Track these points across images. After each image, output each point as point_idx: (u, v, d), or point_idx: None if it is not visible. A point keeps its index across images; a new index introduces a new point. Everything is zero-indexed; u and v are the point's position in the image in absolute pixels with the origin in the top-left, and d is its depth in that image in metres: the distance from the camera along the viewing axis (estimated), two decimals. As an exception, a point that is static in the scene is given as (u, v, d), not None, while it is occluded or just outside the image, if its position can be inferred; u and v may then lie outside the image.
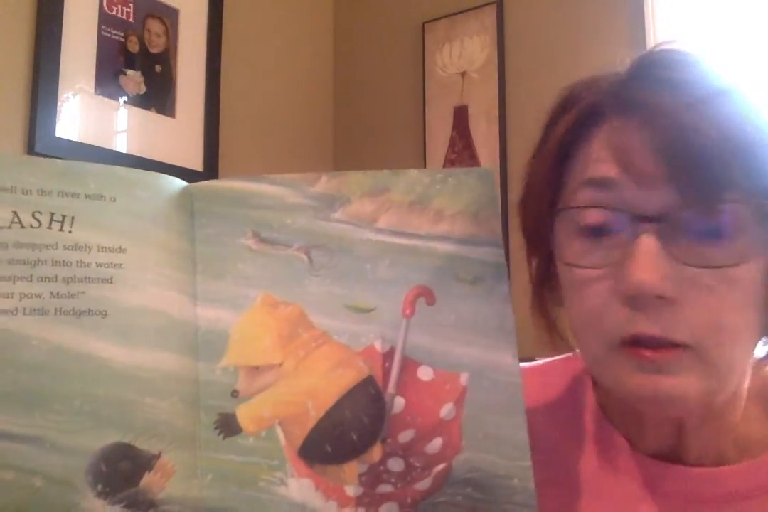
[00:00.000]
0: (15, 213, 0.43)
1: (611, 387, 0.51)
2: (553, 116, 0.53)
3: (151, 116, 1.81)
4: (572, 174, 0.51)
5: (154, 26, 1.83)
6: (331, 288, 0.48)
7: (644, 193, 0.46)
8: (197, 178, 1.87)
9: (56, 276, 0.43)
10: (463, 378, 0.47)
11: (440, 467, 0.47)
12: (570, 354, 0.60)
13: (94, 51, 1.70)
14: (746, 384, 0.53)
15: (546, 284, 0.55)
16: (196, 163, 1.89)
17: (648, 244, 0.45)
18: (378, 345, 0.47)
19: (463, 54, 2.05)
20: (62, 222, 0.44)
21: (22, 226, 0.43)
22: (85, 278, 0.44)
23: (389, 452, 0.47)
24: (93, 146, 1.68)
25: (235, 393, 0.47)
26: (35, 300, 0.43)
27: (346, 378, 0.47)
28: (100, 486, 0.42)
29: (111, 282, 0.45)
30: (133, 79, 1.78)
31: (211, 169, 1.92)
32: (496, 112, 1.98)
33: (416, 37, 2.16)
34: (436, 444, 0.47)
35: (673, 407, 0.48)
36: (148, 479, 0.44)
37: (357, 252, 0.48)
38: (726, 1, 1.67)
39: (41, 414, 0.42)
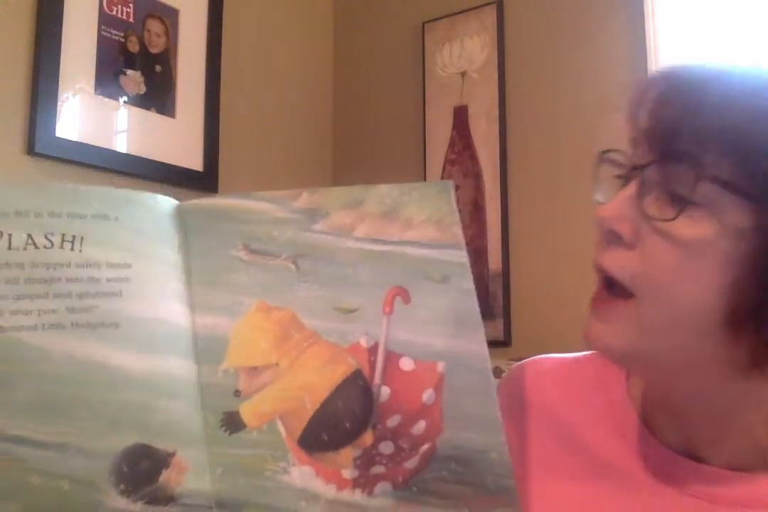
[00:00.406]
0: (29, 235, 0.46)
1: None
2: None
3: (151, 116, 1.81)
4: None
5: (154, 26, 1.83)
6: (318, 293, 0.53)
7: (637, 149, 0.52)
8: (197, 177, 1.88)
9: (71, 293, 0.47)
10: (440, 366, 0.52)
11: (426, 447, 0.51)
12: None
13: (94, 51, 1.70)
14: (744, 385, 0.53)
15: None
16: (196, 163, 1.89)
17: (627, 190, 0.51)
18: (363, 342, 0.52)
19: (463, 54, 2.05)
20: (72, 242, 0.47)
21: (37, 247, 0.46)
22: (97, 293, 0.47)
23: (379, 436, 0.51)
24: (93, 146, 1.68)
25: (237, 393, 0.51)
26: (53, 315, 0.46)
27: (337, 373, 0.52)
28: (122, 485, 0.45)
29: (120, 296, 0.48)
30: (133, 79, 1.78)
31: (211, 169, 1.92)
32: (496, 112, 1.98)
33: (416, 37, 2.16)
34: (420, 426, 0.52)
35: (599, 349, 0.53)
36: (165, 475, 0.47)
37: (339, 259, 0.53)
38: (726, 1, 1.67)
39: (65, 422, 0.45)
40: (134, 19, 1.79)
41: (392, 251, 0.54)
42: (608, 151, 0.54)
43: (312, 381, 0.52)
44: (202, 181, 1.90)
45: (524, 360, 0.69)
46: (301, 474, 0.50)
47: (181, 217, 0.52)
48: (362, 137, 2.25)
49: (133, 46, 1.79)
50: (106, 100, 1.72)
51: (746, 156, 0.46)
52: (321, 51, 2.32)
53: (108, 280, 0.48)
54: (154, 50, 1.83)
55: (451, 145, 2.04)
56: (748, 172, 0.46)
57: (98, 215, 0.49)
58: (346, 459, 0.51)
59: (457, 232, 0.54)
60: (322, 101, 2.30)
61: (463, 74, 2.05)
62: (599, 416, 0.60)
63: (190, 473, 0.47)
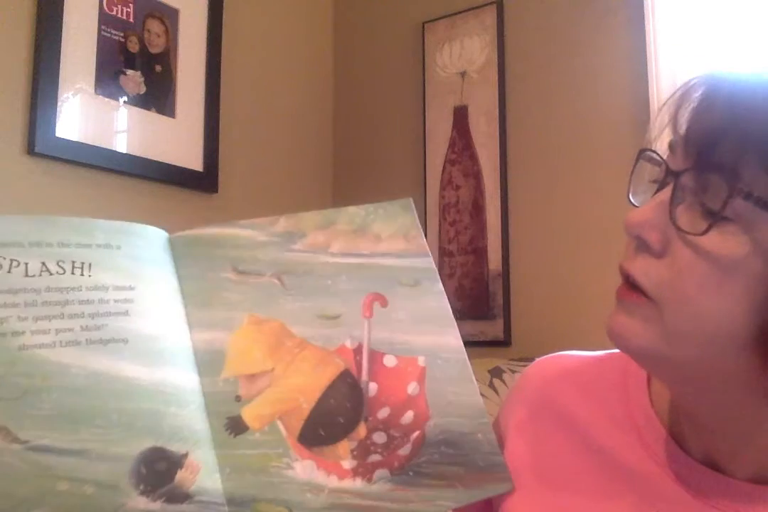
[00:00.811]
0: (43, 263, 0.51)
1: None
2: None
3: (151, 116, 1.81)
4: None
5: (154, 26, 1.83)
6: (302, 304, 0.58)
7: (675, 154, 0.50)
8: (197, 177, 1.88)
9: (83, 313, 0.51)
10: (421, 361, 0.58)
11: (416, 434, 0.57)
12: None
13: (94, 51, 1.70)
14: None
15: None
16: (196, 163, 1.89)
17: (660, 195, 0.49)
18: (348, 344, 0.58)
19: (463, 54, 2.05)
20: (82, 268, 0.53)
21: (50, 274, 0.51)
22: (106, 312, 0.52)
23: (372, 428, 0.56)
24: (93, 146, 1.68)
25: (238, 398, 0.55)
26: (68, 333, 0.50)
27: (327, 374, 0.57)
28: (142, 486, 0.49)
29: (127, 315, 0.53)
30: (133, 79, 1.78)
31: (211, 169, 1.92)
32: (496, 112, 1.98)
33: (416, 37, 2.16)
34: (408, 415, 0.57)
35: (619, 344, 0.52)
36: (180, 475, 0.50)
37: (318, 272, 0.59)
38: (726, 3, 1.67)
39: (85, 430, 0.49)
40: (134, 19, 1.79)
41: (366, 263, 0.60)
42: (647, 149, 0.52)
43: (305, 382, 0.56)
44: (202, 181, 1.90)
45: (544, 357, 0.69)
46: (304, 468, 0.54)
47: (172, 246, 0.58)
48: (362, 137, 2.25)
49: (133, 46, 1.79)
50: (106, 100, 1.72)
51: None
52: (321, 51, 2.32)
53: (115, 301, 0.53)
54: (154, 50, 1.83)
55: (451, 145, 2.04)
56: None
57: (102, 244, 0.54)
58: (343, 451, 0.55)
59: (422, 242, 0.62)
60: (323, 101, 2.30)
61: (463, 74, 2.05)
62: (620, 420, 0.59)
63: (202, 473, 0.51)
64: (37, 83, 1.59)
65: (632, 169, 0.53)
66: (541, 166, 1.91)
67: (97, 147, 1.68)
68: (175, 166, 1.83)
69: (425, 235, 0.66)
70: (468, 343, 0.60)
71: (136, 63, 1.79)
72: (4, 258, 0.50)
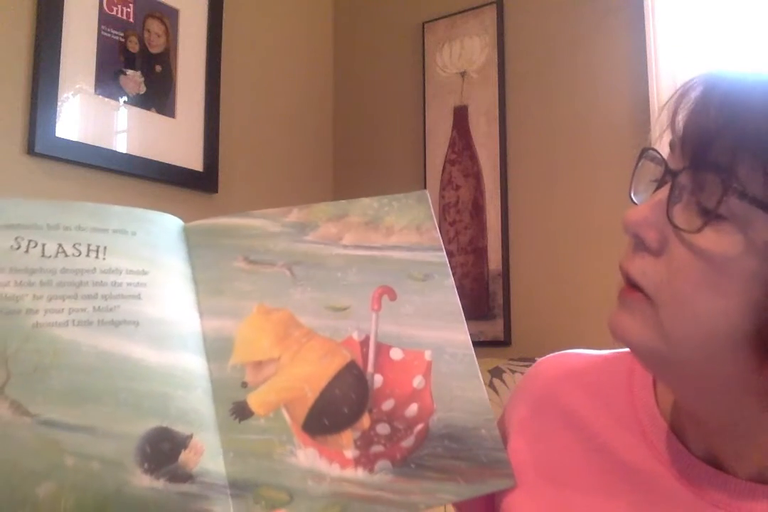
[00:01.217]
0: (60, 245, 0.53)
1: None
2: None
3: (151, 116, 1.81)
4: None
5: (154, 26, 1.83)
6: (312, 295, 0.59)
7: (674, 154, 0.50)
8: (197, 177, 1.88)
9: (96, 294, 0.53)
10: (428, 355, 0.59)
11: (419, 427, 0.57)
12: None
13: (94, 51, 1.70)
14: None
15: None
16: (196, 163, 1.89)
17: (658, 194, 0.50)
18: (355, 336, 0.58)
19: (463, 54, 2.05)
20: (97, 251, 0.54)
21: (66, 256, 0.53)
22: (119, 295, 0.53)
23: (376, 419, 0.57)
24: (93, 146, 1.68)
25: (244, 385, 0.56)
26: (81, 313, 0.52)
27: (334, 364, 0.57)
28: (146, 464, 0.50)
29: (139, 298, 0.54)
30: (133, 79, 1.78)
31: (211, 169, 1.92)
32: (496, 112, 1.98)
33: (416, 37, 2.16)
34: (413, 408, 0.57)
35: (620, 340, 0.52)
36: (184, 456, 0.51)
37: (329, 264, 0.60)
38: (726, 3, 1.67)
39: (94, 407, 0.50)
40: (134, 19, 1.79)
41: (377, 255, 0.60)
42: (649, 148, 0.52)
43: (311, 372, 0.57)
44: (202, 181, 1.90)
45: (550, 355, 0.69)
46: (307, 455, 0.55)
47: (187, 235, 0.59)
48: (362, 137, 2.25)
49: (133, 46, 1.79)
50: (106, 100, 1.72)
51: None
52: (321, 51, 2.32)
53: (128, 285, 0.54)
54: (154, 50, 1.83)
55: (451, 145, 2.04)
56: None
57: (118, 230, 0.56)
58: (346, 440, 0.56)
59: (436, 235, 0.62)
60: (323, 101, 2.30)
61: (463, 74, 2.05)
62: (624, 419, 0.59)
63: (206, 455, 0.52)
64: (37, 83, 1.59)
65: (634, 168, 0.54)
66: (541, 166, 1.91)
67: (97, 147, 1.68)
68: (175, 166, 1.83)
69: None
70: (468, 343, 0.60)
71: (136, 63, 1.79)
72: (23, 239, 0.52)
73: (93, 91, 1.69)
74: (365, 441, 0.56)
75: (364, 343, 0.58)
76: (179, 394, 0.53)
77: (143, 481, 0.50)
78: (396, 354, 0.58)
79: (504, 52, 2.00)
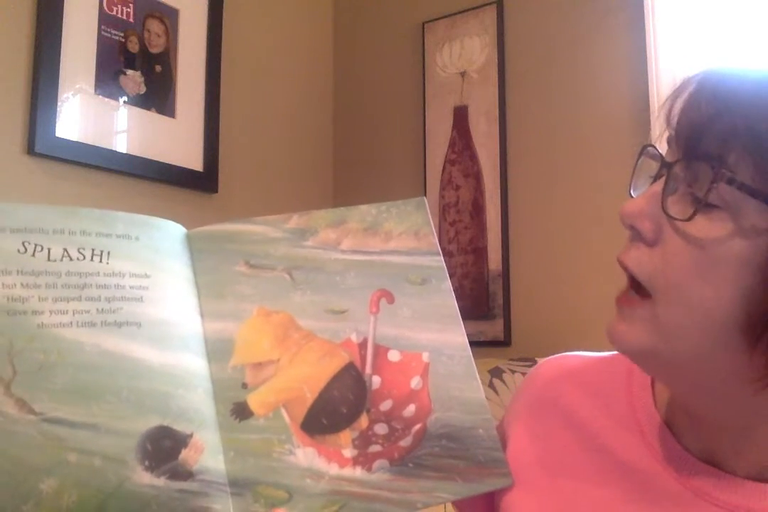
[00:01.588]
0: (65, 249, 0.55)
1: None
2: None
3: (151, 116, 1.81)
4: None
5: (154, 26, 1.83)
6: (311, 298, 0.60)
7: (670, 150, 0.51)
8: (197, 177, 1.88)
9: (100, 296, 0.54)
10: (425, 356, 0.60)
11: (417, 427, 0.58)
12: None
13: (94, 51, 1.70)
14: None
15: None
16: (196, 163, 1.89)
17: (654, 187, 0.51)
18: (354, 338, 0.59)
19: (463, 54, 2.06)
20: (101, 255, 0.56)
21: (71, 259, 0.55)
22: (122, 297, 0.55)
23: (374, 419, 0.57)
24: (93, 146, 1.68)
25: (245, 385, 0.57)
26: (85, 315, 0.53)
27: (332, 366, 0.58)
28: (147, 462, 0.51)
29: (141, 301, 0.56)
30: (133, 79, 1.78)
31: (211, 169, 1.92)
32: (496, 112, 1.98)
33: (416, 37, 2.16)
34: (410, 409, 0.58)
35: (619, 348, 0.53)
36: (184, 454, 0.53)
37: (328, 269, 0.61)
38: (726, 2, 1.67)
39: (96, 405, 0.52)
40: (134, 19, 1.79)
41: (375, 260, 0.62)
42: (649, 145, 0.53)
43: (310, 373, 0.58)
44: (202, 181, 1.90)
45: (550, 357, 0.69)
46: (305, 454, 0.56)
47: (189, 241, 0.61)
48: (362, 137, 2.25)
49: (133, 46, 1.79)
50: (106, 100, 1.72)
51: (765, 158, 0.45)
52: (321, 51, 2.32)
53: (131, 287, 0.56)
54: (154, 50, 1.83)
55: (451, 145, 2.04)
56: (767, 175, 0.45)
57: (122, 235, 0.57)
58: (345, 440, 0.57)
59: (433, 240, 0.63)
60: (322, 101, 2.30)
61: (463, 74, 2.05)
62: (623, 419, 0.60)
63: (206, 453, 0.53)
64: (37, 83, 1.59)
65: (635, 165, 0.54)
66: (541, 166, 1.91)
67: (97, 147, 1.68)
68: (175, 166, 1.83)
69: (428, 235, 0.67)
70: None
71: (136, 63, 1.79)
72: (29, 243, 0.54)
73: (93, 91, 1.69)
74: (363, 441, 0.57)
75: (363, 345, 0.59)
76: (180, 393, 0.54)
77: (144, 478, 0.51)
78: (394, 355, 0.59)
79: (504, 52, 2.00)
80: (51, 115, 1.60)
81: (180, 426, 0.53)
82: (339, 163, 2.29)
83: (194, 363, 0.56)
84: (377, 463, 0.56)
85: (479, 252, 1.96)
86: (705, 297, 0.47)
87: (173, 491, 0.51)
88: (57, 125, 1.61)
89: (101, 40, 1.72)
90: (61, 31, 1.63)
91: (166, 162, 1.82)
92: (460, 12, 2.07)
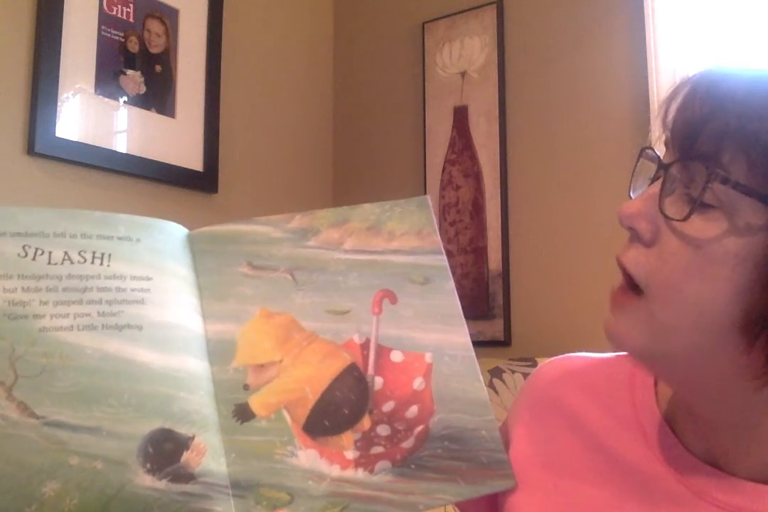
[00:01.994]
0: (66, 252, 0.55)
1: None
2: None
3: (151, 116, 1.81)
4: None
5: (154, 26, 1.83)
6: (313, 299, 0.60)
7: (667, 152, 0.52)
8: (197, 177, 1.88)
9: (101, 300, 0.54)
10: (428, 357, 0.59)
11: (420, 428, 0.57)
12: None
13: (94, 51, 1.70)
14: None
15: None
16: (196, 163, 1.89)
17: (651, 188, 0.51)
18: (356, 339, 0.59)
19: (463, 54, 2.05)
20: (102, 258, 0.56)
21: (72, 262, 0.55)
22: (123, 300, 0.55)
23: (376, 420, 0.57)
24: (93, 146, 1.68)
25: (246, 387, 0.57)
26: (86, 318, 0.53)
27: (334, 367, 0.58)
28: (149, 465, 0.51)
29: (143, 303, 0.56)
30: (133, 79, 1.78)
31: (211, 169, 1.92)
32: (496, 112, 1.98)
33: (416, 37, 2.16)
34: (413, 410, 0.58)
35: (615, 345, 0.53)
36: (186, 456, 0.52)
37: (330, 269, 0.61)
38: (726, 1, 1.67)
39: (98, 408, 0.51)
40: (134, 19, 1.79)
41: (377, 259, 0.61)
42: (647, 148, 0.54)
43: (312, 374, 0.58)
44: (202, 181, 1.90)
45: (552, 359, 0.69)
46: (307, 456, 0.55)
47: (191, 242, 0.60)
48: (362, 137, 2.25)
49: (133, 46, 1.79)
50: (106, 100, 1.72)
51: (758, 156, 0.45)
52: (321, 51, 2.32)
53: (132, 290, 0.56)
54: (154, 50, 1.83)
55: (451, 145, 2.04)
56: (761, 173, 0.45)
57: (123, 237, 0.57)
58: (347, 441, 0.56)
59: (436, 239, 0.62)
60: (322, 101, 2.30)
61: (463, 74, 2.05)
62: (625, 420, 0.60)
63: (208, 455, 0.53)
64: (37, 83, 1.59)
65: (634, 168, 0.54)
66: (541, 166, 1.91)
67: (97, 147, 1.68)
68: (175, 166, 1.83)
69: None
70: (468, 343, 0.61)
71: (136, 63, 1.79)
72: (30, 247, 0.54)
73: (93, 91, 1.69)
74: (366, 442, 0.56)
75: (365, 346, 0.59)
76: (182, 396, 0.54)
77: (146, 481, 0.51)
78: (396, 356, 0.59)
79: (504, 52, 2.00)
80: (51, 115, 1.60)
81: (182, 429, 0.53)
82: (339, 163, 2.29)
83: (196, 366, 0.56)
84: (379, 465, 0.56)
85: (479, 252, 1.96)
86: (702, 296, 0.48)
87: (175, 494, 0.51)
88: (57, 125, 1.61)
89: (101, 40, 1.72)
90: (61, 31, 1.63)
91: (166, 162, 1.82)
92: (460, 12, 2.07)
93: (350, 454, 0.56)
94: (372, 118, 2.24)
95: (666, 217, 0.49)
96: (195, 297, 0.59)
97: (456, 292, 0.61)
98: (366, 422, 0.57)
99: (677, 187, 0.50)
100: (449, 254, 2.06)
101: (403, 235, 0.62)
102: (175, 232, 0.60)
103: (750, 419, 0.52)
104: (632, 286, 0.51)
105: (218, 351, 0.57)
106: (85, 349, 0.52)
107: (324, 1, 2.34)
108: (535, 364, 1.59)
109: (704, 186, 0.47)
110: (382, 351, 0.59)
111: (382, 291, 0.60)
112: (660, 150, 0.53)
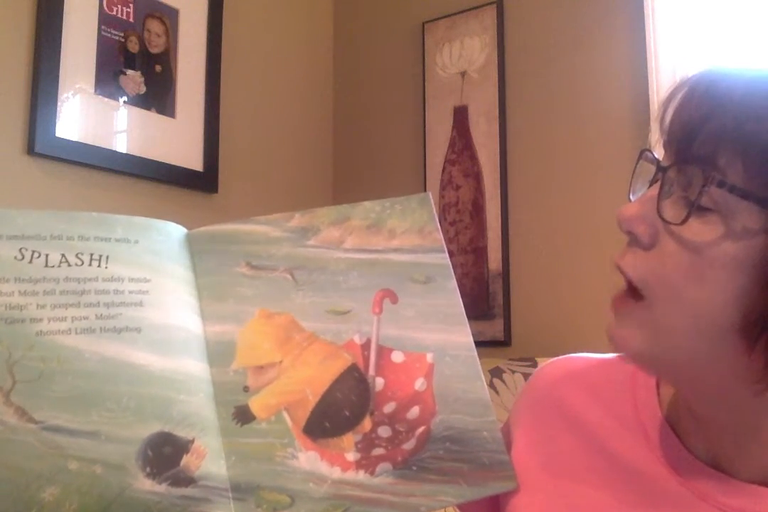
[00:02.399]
0: (63, 255, 0.54)
1: None
2: None
3: (151, 116, 1.81)
4: None
5: (154, 26, 1.83)
6: (313, 299, 0.59)
7: (666, 154, 0.52)
8: (197, 177, 1.88)
9: (99, 302, 0.54)
10: (429, 357, 0.59)
11: (421, 429, 0.57)
12: None
13: (94, 51, 1.70)
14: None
15: None
16: (196, 163, 1.89)
17: (650, 191, 0.51)
18: (356, 339, 0.58)
19: (463, 54, 2.05)
20: (99, 260, 0.55)
21: (69, 265, 0.54)
22: (121, 303, 0.54)
23: (377, 422, 0.57)
24: (93, 146, 1.67)
25: (246, 389, 0.56)
26: (84, 321, 0.53)
27: (335, 367, 0.58)
28: (148, 468, 0.51)
29: (141, 305, 0.55)
30: (133, 79, 1.78)
31: (211, 169, 1.92)
32: (496, 112, 1.98)
33: (416, 37, 2.16)
34: (414, 411, 0.57)
35: (617, 350, 0.53)
36: (186, 460, 0.52)
37: (330, 268, 0.60)
38: (726, 1, 1.67)
39: (97, 412, 0.51)
40: (134, 19, 1.79)
41: (378, 258, 0.61)
42: (646, 150, 0.53)
43: (312, 375, 0.57)
44: (202, 181, 1.90)
45: (554, 359, 0.69)
46: (308, 458, 0.55)
47: (190, 242, 0.60)
48: (362, 136, 2.25)
49: (133, 46, 1.79)
50: (106, 100, 1.72)
51: (755, 159, 0.45)
52: (321, 51, 2.32)
53: (130, 292, 0.55)
54: (154, 50, 1.83)
55: (451, 145, 2.04)
56: (757, 176, 0.45)
57: (121, 239, 0.56)
58: (348, 443, 0.56)
59: (438, 237, 0.62)
60: (322, 101, 2.30)
61: (463, 74, 2.05)
62: (627, 421, 0.59)
63: (208, 458, 0.53)
64: (37, 83, 1.59)
65: (633, 170, 0.54)
66: (541, 166, 1.91)
67: (97, 147, 1.68)
68: (175, 166, 1.83)
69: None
70: (468, 343, 0.60)
71: (136, 63, 1.79)
72: (26, 250, 0.53)
73: (93, 91, 1.69)
74: (367, 444, 0.56)
75: (366, 346, 0.58)
76: (181, 399, 0.53)
77: (145, 485, 0.50)
78: (397, 356, 0.59)
79: (504, 52, 2.00)
80: (51, 115, 1.60)
81: (181, 432, 0.53)
82: (339, 163, 2.29)
83: (195, 368, 0.55)
84: (380, 467, 0.56)
85: (479, 252, 1.96)
86: (700, 299, 0.47)
87: (175, 497, 0.51)
88: (57, 125, 1.61)
89: (101, 40, 1.72)
90: (61, 31, 1.63)
91: (166, 162, 1.82)
92: (460, 12, 2.07)
93: (351, 456, 0.55)
94: (372, 118, 2.24)
95: (664, 220, 0.49)
96: (194, 298, 0.58)
97: (458, 291, 0.61)
98: (367, 423, 0.57)
99: (675, 190, 0.49)
100: (449, 254, 2.05)
101: (405, 233, 0.62)
102: (174, 232, 0.60)
103: (751, 421, 0.52)
104: (633, 291, 0.51)
105: (218, 353, 0.57)
106: (83, 353, 0.52)
107: (324, 1, 2.34)
108: (535, 364, 1.59)
109: (701, 189, 0.46)
110: (383, 352, 0.58)
111: (383, 291, 0.60)
112: (659, 152, 0.53)
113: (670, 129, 0.50)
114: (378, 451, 0.56)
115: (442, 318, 0.60)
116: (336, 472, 0.55)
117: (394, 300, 0.60)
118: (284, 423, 0.56)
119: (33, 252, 0.53)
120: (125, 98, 1.76)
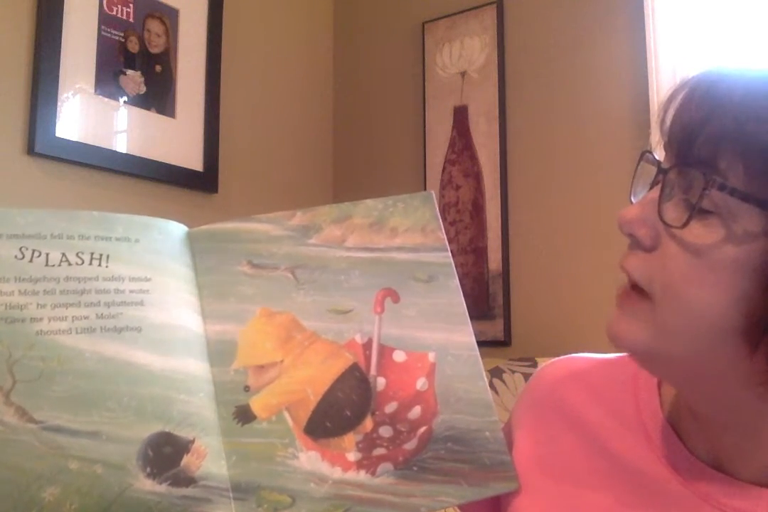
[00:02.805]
0: (63, 254, 0.54)
1: None
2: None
3: (151, 116, 1.81)
4: None
5: (154, 26, 1.83)
6: (314, 298, 0.59)
7: (666, 155, 0.52)
8: (197, 177, 1.88)
9: (99, 302, 0.54)
10: (431, 356, 0.58)
11: (423, 429, 0.57)
12: None
13: (94, 51, 1.70)
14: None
15: None
16: (196, 163, 1.89)
17: (651, 193, 0.51)
18: (358, 338, 0.58)
19: (463, 54, 2.05)
20: (100, 259, 0.55)
21: (70, 264, 0.54)
22: (122, 302, 0.54)
23: (379, 422, 0.56)
24: (93, 146, 1.67)
25: (247, 388, 0.56)
26: (84, 321, 0.53)
27: (336, 367, 0.57)
28: (149, 468, 0.51)
29: (142, 305, 0.55)
30: (133, 79, 1.78)
31: (211, 169, 1.92)
32: (496, 112, 1.98)
33: (416, 37, 2.16)
34: (416, 411, 0.57)
35: (616, 345, 0.53)
36: (186, 460, 0.52)
37: (332, 267, 0.59)
38: (726, 1, 1.67)
39: (97, 412, 0.51)
40: (134, 19, 1.79)
41: (380, 257, 0.60)
42: (647, 151, 0.53)
43: (314, 375, 0.57)
44: (202, 181, 1.90)
45: (555, 359, 0.69)
46: (309, 458, 0.55)
47: (191, 240, 0.59)
48: (362, 136, 2.25)
49: (133, 46, 1.79)
50: (106, 100, 1.72)
51: (755, 161, 0.45)
52: (321, 50, 2.32)
53: (131, 291, 0.55)
54: (154, 50, 1.83)
55: (451, 145, 2.04)
56: (758, 177, 0.45)
57: (121, 238, 0.56)
58: (349, 443, 0.56)
59: (441, 235, 0.62)
60: (322, 101, 2.30)
61: (463, 74, 2.05)
62: (629, 422, 0.59)
63: (208, 458, 0.53)
64: (37, 83, 1.59)
65: (634, 171, 0.54)
66: (541, 166, 1.91)
67: (97, 147, 1.68)
68: (175, 166, 1.83)
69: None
70: (469, 343, 0.60)
71: (136, 63, 1.79)
72: (27, 249, 0.53)
73: (93, 91, 1.69)
74: (368, 444, 0.56)
75: (367, 346, 0.58)
76: (182, 398, 0.53)
77: (146, 485, 0.50)
78: (399, 356, 0.58)
79: (504, 52, 2.00)
80: (51, 115, 1.60)
81: (182, 432, 0.52)
82: (339, 163, 2.29)
83: (196, 367, 0.55)
84: (381, 467, 0.55)
85: (479, 252, 1.96)
86: (702, 302, 0.47)
87: (175, 497, 0.51)
88: (57, 125, 1.61)
89: (101, 40, 1.72)
90: (61, 31, 1.63)
91: (166, 162, 1.82)
92: (460, 12, 2.07)
93: (352, 456, 0.55)
94: (372, 118, 2.24)
95: (665, 223, 0.49)
96: (195, 297, 0.58)
97: (461, 290, 0.60)
98: (368, 423, 0.56)
99: (676, 193, 0.49)
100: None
101: (407, 231, 0.61)
102: (175, 230, 0.59)
103: (752, 422, 0.52)
104: (638, 289, 0.51)
105: (218, 352, 0.56)
106: (83, 352, 0.52)
107: (324, 1, 2.34)
108: (535, 364, 1.59)
109: (702, 193, 0.46)
110: (385, 351, 0.58)
111: (384, 290, 0.59)
112: (660, 153, 0.52)
113: (670, 130, 0.50)
114: (379, 451, 0.56)
115: (445, 317, 0.59)
116: (337, 472, 0.55)
117: (396, 299, 0.59)
118: (285, 423, 0.55)
119: (33, 251, 0.53)
120: (125, 98, 1.75)
